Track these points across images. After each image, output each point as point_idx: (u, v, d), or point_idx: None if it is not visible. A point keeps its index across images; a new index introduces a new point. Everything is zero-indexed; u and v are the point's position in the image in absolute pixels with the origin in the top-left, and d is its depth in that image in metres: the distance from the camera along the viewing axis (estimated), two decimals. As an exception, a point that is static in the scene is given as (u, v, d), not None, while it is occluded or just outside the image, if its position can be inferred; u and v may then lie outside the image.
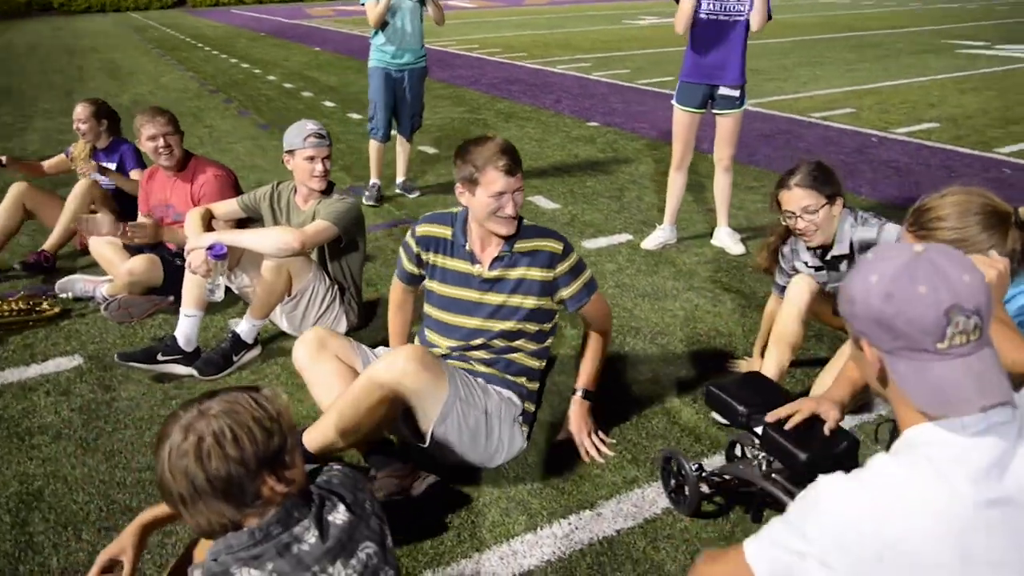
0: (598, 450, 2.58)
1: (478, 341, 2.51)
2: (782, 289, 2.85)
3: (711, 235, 4.60)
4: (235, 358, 3.23)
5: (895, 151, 6.53)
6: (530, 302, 2.47)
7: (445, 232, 2.52)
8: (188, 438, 1.28)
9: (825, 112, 7.97)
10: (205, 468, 1.27)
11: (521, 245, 2.45)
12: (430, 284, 2.58)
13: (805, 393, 2.84)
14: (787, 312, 2.76)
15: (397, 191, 5.69)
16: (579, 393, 2.66)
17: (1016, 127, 7.22)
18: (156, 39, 18.06)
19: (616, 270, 4.20)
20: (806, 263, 2.75)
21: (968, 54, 11.97)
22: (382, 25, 5.11)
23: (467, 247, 2.48)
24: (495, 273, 2.46)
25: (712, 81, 4.02)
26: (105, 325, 3.62)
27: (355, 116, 8.35)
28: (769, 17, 3.92)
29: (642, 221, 4.95)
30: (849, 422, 2.68)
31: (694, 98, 4.08)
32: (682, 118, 4.18)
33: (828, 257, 2.68)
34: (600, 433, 2.64)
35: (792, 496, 2.07)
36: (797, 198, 2.59)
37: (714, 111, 4.14)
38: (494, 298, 2.47)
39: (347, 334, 3.46)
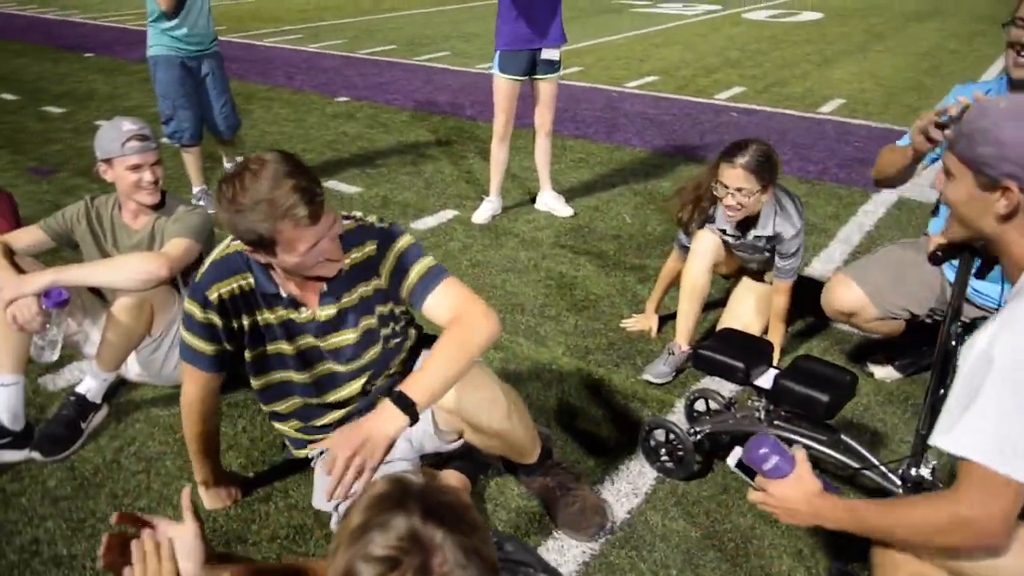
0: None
1: (362, 380, 2.04)
2: (685, 248, 2.97)
3: (533, 201, 4.65)
4: (84, 425, 2.58)
5: (639, 104, 7.13)
6: (388, 308, 2.00)
7: (245, 281, 1.89)
8: None
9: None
10: None
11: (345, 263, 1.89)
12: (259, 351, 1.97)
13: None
14: (697, 267, 2.89)
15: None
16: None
17: (717, 75, 8.27)
18: None
19: (462, 248, 4.08)
20: (724, 231, 2.86)
21: (641, 13, 13.42)
22: (177, 4, 4.12)
23: (282, 293, 1.91)
24: (331, 311, 1.92)
25: (535, 45, 4.01)
26: None
27: (54, 111, 7.00)
28: None
29: (456, 195, 4.84)
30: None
31: (519, 65, 4.04)
32: (506, 88, 4.12)
33: (750, 236, 2.79)
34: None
35: (797, 434, 2.21)
36: (736, 177, 2.61)
37: (535, 76, 4.14)
38: (346, 336, 1.97)
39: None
